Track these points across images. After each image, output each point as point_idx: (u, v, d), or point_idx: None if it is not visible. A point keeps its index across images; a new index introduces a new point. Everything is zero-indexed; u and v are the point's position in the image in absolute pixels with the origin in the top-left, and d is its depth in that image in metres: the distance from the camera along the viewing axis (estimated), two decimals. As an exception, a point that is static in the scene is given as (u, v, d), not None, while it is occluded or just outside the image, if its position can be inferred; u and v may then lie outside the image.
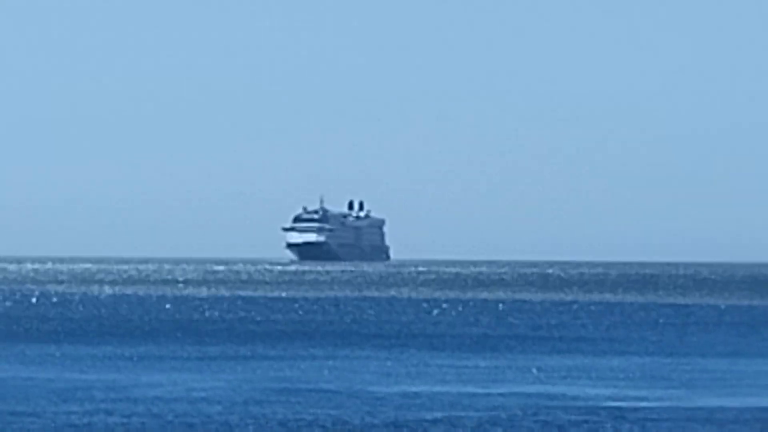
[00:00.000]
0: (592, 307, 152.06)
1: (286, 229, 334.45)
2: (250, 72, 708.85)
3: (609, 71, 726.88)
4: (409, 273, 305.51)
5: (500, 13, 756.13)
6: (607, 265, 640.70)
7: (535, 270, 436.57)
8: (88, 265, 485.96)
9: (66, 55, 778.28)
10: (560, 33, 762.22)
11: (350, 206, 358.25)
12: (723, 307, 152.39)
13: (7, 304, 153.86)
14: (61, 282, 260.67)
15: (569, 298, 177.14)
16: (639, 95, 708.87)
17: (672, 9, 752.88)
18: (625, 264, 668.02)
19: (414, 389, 48.34)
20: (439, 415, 37.91)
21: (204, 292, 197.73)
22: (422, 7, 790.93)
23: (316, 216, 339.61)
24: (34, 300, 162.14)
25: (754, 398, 45.87)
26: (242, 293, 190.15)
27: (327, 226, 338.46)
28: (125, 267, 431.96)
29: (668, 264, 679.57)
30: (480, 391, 49.24)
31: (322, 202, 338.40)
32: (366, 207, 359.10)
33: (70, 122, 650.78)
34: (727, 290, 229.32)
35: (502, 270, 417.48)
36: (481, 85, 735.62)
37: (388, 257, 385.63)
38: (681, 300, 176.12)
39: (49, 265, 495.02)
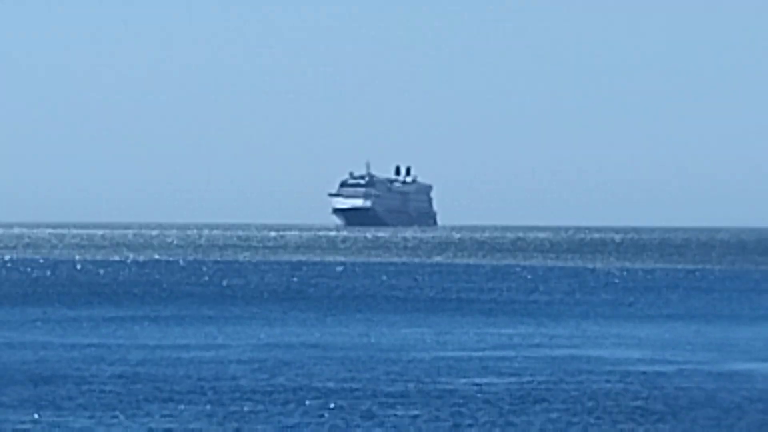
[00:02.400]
0: (624, 273, 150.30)
1: (332, 195, 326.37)
2: (299, 43, 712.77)
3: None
4: (457, 238, 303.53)
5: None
6: (651, 230, 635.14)
7: (579, 235, 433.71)
8: (148, 230, 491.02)
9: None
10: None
11: (397, 171, 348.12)
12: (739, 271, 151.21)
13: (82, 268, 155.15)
14: (121, 247, 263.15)
15: (608, 264, 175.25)
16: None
17: None
18: (669, 229, 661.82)
19: (444, 354, 48.69)
20: (466, 380, 38.18)
21: (249, 257, 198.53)
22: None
23: (362, 181, 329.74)
24: (78, 267, 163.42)
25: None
26: (287, 258, 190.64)
27: (373, 191, 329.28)
28: (183, 232, 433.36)
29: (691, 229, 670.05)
30: (513, 354, 49.65)
31: (368, 167, 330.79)
32: (413, 172, 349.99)
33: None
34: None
35: (546, 235, 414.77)
36: (529, 53, 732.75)
37: (435, 222, 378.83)
38: (702, 265, 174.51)
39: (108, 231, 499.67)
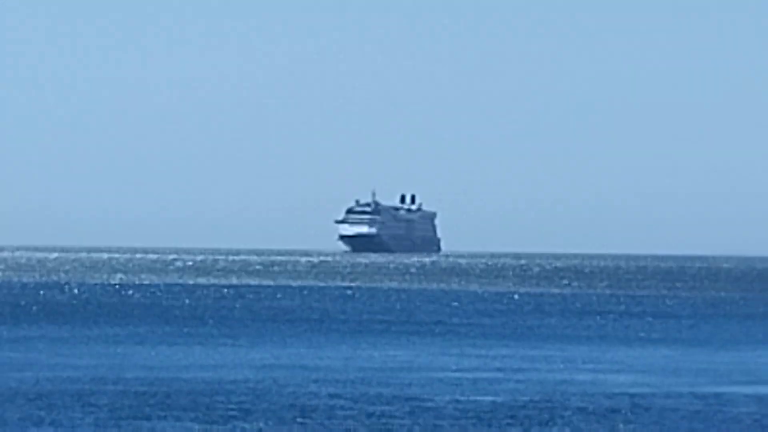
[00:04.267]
0: (618, 299, 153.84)
1: (338, 222, 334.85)
2: (306, 68, 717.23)
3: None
4: (460, 264, 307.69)
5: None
6: (659, 258, 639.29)
7: (585, 262, 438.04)
8: (162, 256, 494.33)
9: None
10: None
11: (402, 200, 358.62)
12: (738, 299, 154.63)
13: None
14: (141, 271, 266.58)
15: (612, 291, 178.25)
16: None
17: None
18: (680, 257, 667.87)
19: (436, 375, 50.01)
20: (452, 397, 39.28)
21: (255, 281, 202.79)
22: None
23: (368, 209, 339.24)
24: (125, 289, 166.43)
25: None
26: (291, 283, 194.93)
27: (378, 218, 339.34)
28: (195, 257, 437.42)
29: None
30: (501, 376, 51.37)
31: (374, 195, 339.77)
32: (418, 200, 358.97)
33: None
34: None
35: (548, 262, 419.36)
36: (530, 77, 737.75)
37: (439, 249, 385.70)
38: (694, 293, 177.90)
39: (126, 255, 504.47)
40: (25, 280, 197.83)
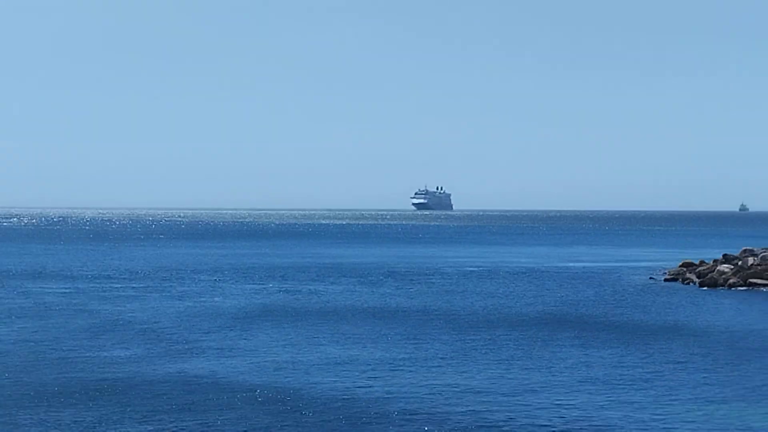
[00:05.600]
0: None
1: (412, 198, 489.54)
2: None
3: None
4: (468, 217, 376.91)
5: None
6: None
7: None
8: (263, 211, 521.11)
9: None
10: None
11: (437, 189, 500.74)
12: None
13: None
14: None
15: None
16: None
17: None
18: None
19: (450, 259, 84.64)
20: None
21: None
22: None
23: (422, 191, 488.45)
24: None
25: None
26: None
27: (427, 196, 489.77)
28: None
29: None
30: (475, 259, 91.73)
31: (426, 186, 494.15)
32: (443, 188, 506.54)
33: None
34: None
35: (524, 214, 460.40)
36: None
37: (452, 209, 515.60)
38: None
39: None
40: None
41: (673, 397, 22.48)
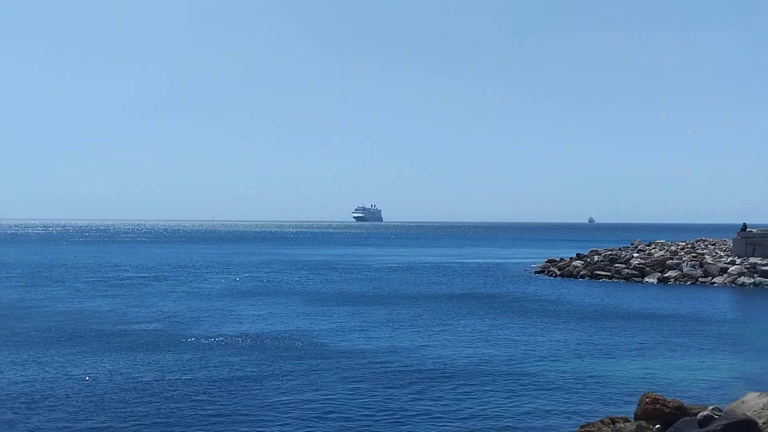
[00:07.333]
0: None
1: (353, 212, 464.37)
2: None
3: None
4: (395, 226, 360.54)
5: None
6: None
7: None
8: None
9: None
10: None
11: (371, 205, 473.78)
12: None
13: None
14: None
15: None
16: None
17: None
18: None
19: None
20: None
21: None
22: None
23: (361, 207, 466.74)
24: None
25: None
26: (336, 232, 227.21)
27: (364, 211, 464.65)
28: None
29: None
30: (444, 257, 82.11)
31: (363, 204, 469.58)
32: (376, 205, 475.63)
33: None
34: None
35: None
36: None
37: (382, 221, 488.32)
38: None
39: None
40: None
41: (536, 352, 22.97)
